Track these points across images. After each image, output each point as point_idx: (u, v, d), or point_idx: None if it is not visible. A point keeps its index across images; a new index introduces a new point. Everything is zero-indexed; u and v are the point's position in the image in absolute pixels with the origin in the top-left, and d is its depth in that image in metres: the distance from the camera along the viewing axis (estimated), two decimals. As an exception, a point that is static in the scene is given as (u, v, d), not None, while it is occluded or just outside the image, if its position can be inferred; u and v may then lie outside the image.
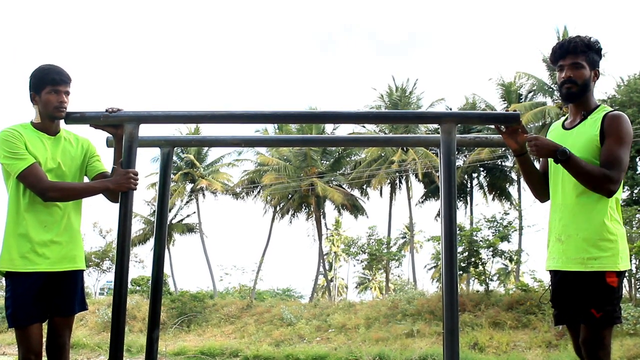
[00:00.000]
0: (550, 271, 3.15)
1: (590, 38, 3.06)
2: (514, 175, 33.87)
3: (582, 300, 2.92)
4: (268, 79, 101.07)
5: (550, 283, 3.19)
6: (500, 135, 3.23)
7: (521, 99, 32.76)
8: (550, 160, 3.13)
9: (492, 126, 3.11)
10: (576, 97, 3.02)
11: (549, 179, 3.19)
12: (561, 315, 3.11)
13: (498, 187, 35.00)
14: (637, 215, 21.55)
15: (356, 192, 37.17)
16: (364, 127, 32.75)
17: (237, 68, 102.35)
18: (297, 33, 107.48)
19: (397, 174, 34.76)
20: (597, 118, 2.99)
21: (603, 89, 34.74)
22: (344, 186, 36.65)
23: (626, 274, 3.05)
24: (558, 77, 3.11)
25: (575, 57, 3.02)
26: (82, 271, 3.36)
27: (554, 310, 3.19)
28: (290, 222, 37.83)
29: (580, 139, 3.00)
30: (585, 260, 2.91)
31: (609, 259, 2.89)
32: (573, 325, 3.07)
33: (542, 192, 3.27)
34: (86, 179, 3.44)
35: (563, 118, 3.29)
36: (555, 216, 3.09)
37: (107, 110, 3.16)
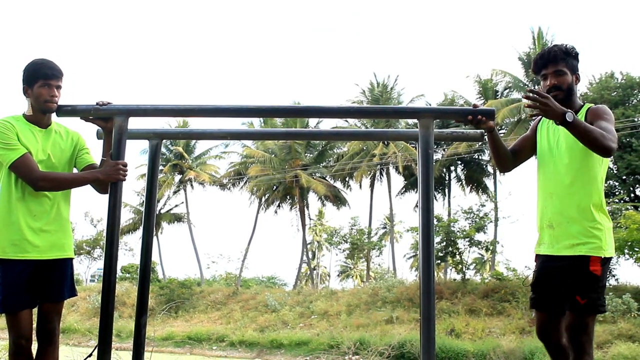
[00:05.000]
0: (538, 255, 3.23)
1: (567, 45, 3.20)
2: (490, 169, 34.52)
3: (568, 287, 3.02)
4: (254, 74, 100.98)
5: (535, 268, 3.26)
6: (476, 130, 3.39)
7: (497, 95, 33.42)
8: (541, 149, 3.28)
9: (470, 121, 3.21)
10: (563, 102, 3.08)
11: (537, 167, 3.30)
12: (539, 299, 3.17)
13: (475, 180, 35.62)
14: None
15: (339, 184, 37.70)
16: (346, 121, 33.21)
17: (225, 63, 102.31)
18: (283, 30, 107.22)
19: (378, 166, 35.23)
20: (582, 112, 3.16)
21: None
22: (327, 178, 37.15)
23: (610, 264, 3.22)
24: (543, 85, 3.21)
25: (556, 65, 3.14)
26: (71, 259, 3.40)
27: (531, 294, 3.23)
28: (275, 212, 38.34)
29: (571, 135, 3.03)
30: (573, 245, 3.01)
31: (595, 245, 2.99)
32: (548, 310, 3.12)
33: (506, 164, 3.40)
34: (75, 171, 3.47)
35: None
36: (546, 203, 3.18)
37: (97, 104, 3.18)
